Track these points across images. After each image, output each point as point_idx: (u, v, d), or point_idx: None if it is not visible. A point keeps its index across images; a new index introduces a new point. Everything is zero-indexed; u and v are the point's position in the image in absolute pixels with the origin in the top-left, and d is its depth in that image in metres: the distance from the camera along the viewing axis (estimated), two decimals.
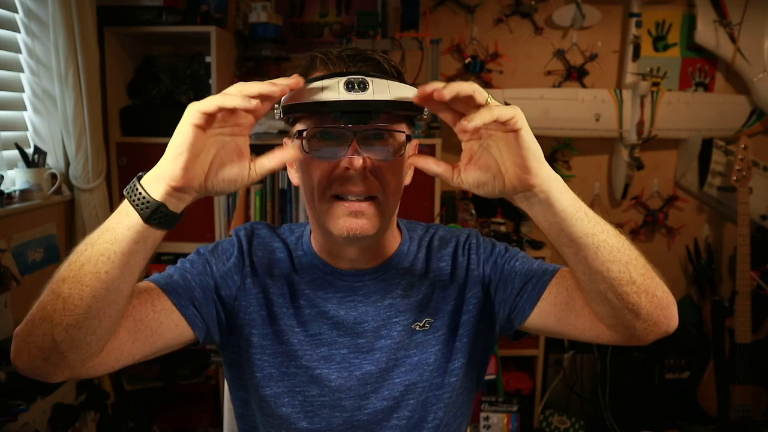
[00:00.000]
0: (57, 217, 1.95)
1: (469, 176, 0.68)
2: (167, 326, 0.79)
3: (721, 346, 2.37)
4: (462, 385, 0.92)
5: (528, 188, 0.65)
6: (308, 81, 0.70)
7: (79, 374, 0.70)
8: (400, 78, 0.79)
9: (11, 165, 1.87)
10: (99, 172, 2.01)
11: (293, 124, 0.81)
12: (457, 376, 0.90)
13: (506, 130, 0.64)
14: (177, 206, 0.65)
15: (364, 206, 0.78)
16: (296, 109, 0.73)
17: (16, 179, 1.85)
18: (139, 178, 0.65)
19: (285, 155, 0.68)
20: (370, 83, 0.69)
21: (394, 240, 0.91)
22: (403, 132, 0.79)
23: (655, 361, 2.44)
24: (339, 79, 0.68)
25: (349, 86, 0.68)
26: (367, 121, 0.70)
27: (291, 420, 0.87)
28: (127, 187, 0.65)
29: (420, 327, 0.88)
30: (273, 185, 2.25)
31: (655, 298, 0.71)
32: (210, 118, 0.63)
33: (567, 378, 2.49)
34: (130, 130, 2.25)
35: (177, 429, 2.40)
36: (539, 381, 2.44)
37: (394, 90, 0.70)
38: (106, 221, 0.66)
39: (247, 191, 2.24)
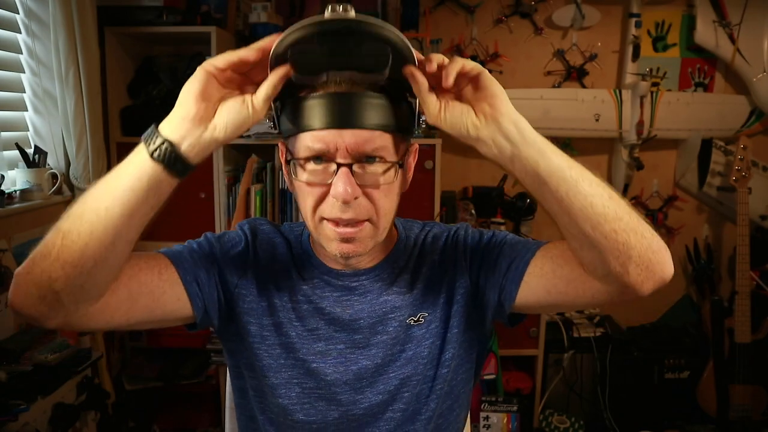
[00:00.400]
0: (57, 218, 1.93)
1: (446, 109, 0.70)
2: (169, 297, 0.79)
3: (720, 345, 2.38)
4: (455, 377, 0.92)
5: (498, 114, 0.68)
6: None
7: (72, 320, 0.70)
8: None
9: (12, 165, 1.87)
10: (99, 172, 2.01)
11: (286, 137, 0.80)
12: (448, 367, 0.90)
13: (471, 77, 0.69)
14: (190, 149, 0.67)
15: (355, 231, 0.78)
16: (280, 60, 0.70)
17: (17, 179, 1.85)
18: (157, 125, 0.67)
19: (276, 77, 0.69)
20: (352, 10, 0.68)
21: (390, 241, 0.91)
22: (393, 161, 0.77)
23: (655, 360, 2.44)
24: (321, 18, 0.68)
25: (333, 10, 0.68)
26: (348, 44, 0.68)
27: (288, 411, 0.88)
28: (145, 132, 0.67)
29: (415, 322, 0.89)
30: (273, 185, 2.25)
31: (645, 239, 0.69)
32: (220, 72, 0.67)
33: (567, 378, 2.49)
34: (130, 130, 2.25)
35: (177, 429, 2.40)
36: (539, 381, 2.44)
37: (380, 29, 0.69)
38: (120, 163, 0.67)
39: (247, 191, 2.25)
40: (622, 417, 2.45)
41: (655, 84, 2.55)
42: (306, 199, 0.78)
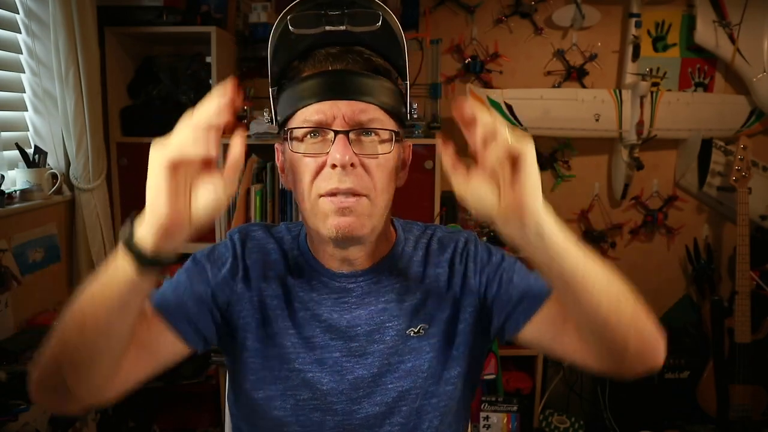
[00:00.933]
0: (57, 217, 1.96)
1: (472, 189, 0.66)
2: (164, 345, 0.81)
3: (720, 345, 2.37)
4: (462, 395, 0.91)
5: (521, 216, 0.63)
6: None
7: (91, 405, 0.75)
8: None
9: (12, 165, 1.87)
10: (99, 172, 2.01)
11: (282, 124, 0.82)
12: (453, 385, 0.89)
13: (511, 156, 0.62)
14: (171, 251, 0.65)
15: (352, 201, 0.76)
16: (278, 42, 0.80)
17: (17, 179, 1.85)
18: (132, 227, 0.66)
19: (236, 150, 0.66)
20: None
21: (387, 241, 0.90)
22: (392, 130, 0.80)
23: None
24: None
25: None
26: (342, 5, 0.75)
27: (283, 423, 0.87)
28: (122, 235, 0.67)
29: (414, 333, 0.87)
30: (273, 185, 2.25)
31: (644, 334, 0.72)
32: (177, 165, 0.63)
33: (567, 378, 2.49)
34: (130, 130, 2.25)
35: (177, 429, 2.40)
36: (539, 381, 2.44)
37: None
38: (104, 269, 0.68)
39: (248, 191, 2.25)
40: (622, 417, 2.45)
41: (655, 84, 2.55)
42: (303, 175, 0.78)
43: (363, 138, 0.78)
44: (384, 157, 0.79)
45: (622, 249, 2.81)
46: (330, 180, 0.76)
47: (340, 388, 0.86)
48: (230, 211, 2.26)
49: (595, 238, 2.75)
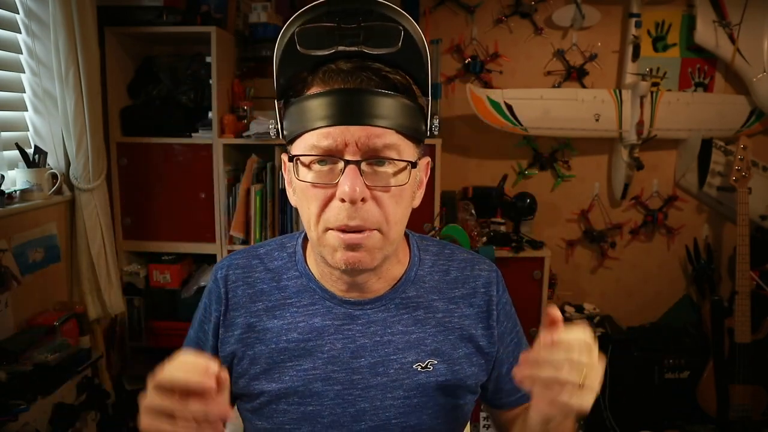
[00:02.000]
0: (57, 217, 1.95)
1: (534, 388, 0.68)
2: None
3: (720, 345, 2.37)
4: (460, 417, 0.89)
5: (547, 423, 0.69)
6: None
7: None
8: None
9: (12, 165, 1.87)
10: (99, 172, 2.01)
11: (290, 140, 0.75)
12: (454, 415, 0.87)
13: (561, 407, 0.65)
14: None
15: (362, 238, 0.71)
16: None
17: (17, 179, 1.85)
18: None
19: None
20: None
21: (400, 263, 0.85)
22: (406, 160, 0.72)
23: (655, 360, 2.44)
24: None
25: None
26: (358, 16, 0.66)
27: None
28: None
29: (422, 368, 0.82)
30: (273, 185, 2.25)
31: None
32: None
33: None
34: (130, 130, 2.25)
35: None
36: None
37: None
38: None
39: (247, 191, 2.25)
40: (622, 417, 2.45)
41: (655, 84, 2.55)
42: (310, 204, 0.72)
43: (376, 168, 0.70)
44: (399, 188, 0.72)
45: (622, 249, 2.81)
46: (339, 215, 0.70)
47: (341, 420, 0.82)
48: (230, 210, 2.26)
49: (595, 238, 2.75)
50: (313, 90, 0.71)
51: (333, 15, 0.66)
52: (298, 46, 0.68)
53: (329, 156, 0.70)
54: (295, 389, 0.81)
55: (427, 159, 0.82)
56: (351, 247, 0.72)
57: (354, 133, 0.68)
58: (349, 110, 0.68)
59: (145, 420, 0.62)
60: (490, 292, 0.87)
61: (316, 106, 0.69)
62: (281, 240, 0.90)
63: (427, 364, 0.82)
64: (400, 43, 0.67)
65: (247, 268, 0.86)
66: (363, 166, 0.69)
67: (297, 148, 0.73)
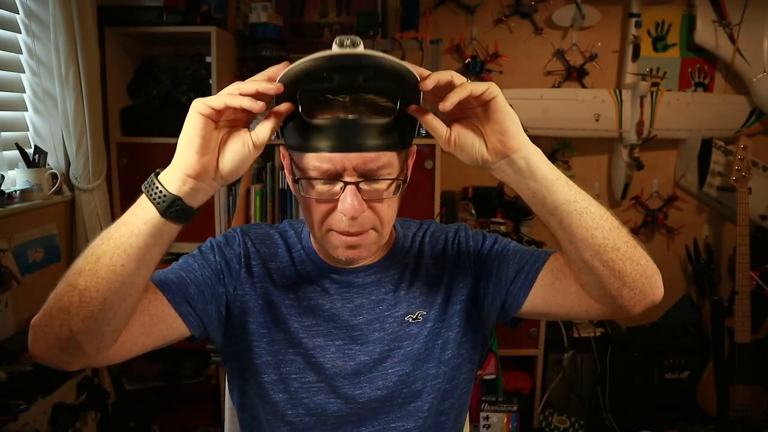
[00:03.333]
0: (57, 217, 1.96)
1: (457, 139, 0.72)
2: (167, 320, 0.81)
3: (720, 345, 2.37)
4: (456, 375, 0.94)
5: (509, 152, 0.70)
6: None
7: (94, 363, 0.73)
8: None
9: (12, 165, 1.87)
10: (99, 172, 2.01)
11: (290, 149, 0.82)
12: (448, 366, 0.92)
13: (483, 102, 0.69)
14: (193, 199, 0.69)
15: (361, 239, 0.81)
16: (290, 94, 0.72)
17: (17, 179, 1.85)
18: (157, 174, 0.69)
19: (277, 119, 0.72)
20: (360, 44, 0.70)
21: (388, 240, 0.94)
22: (397, 178, 0.80)
23: (655, 360, 2.44)
24: (330, 53, 0.69)
25: (342, 44, 0.69)
26: (358, 79, 0.70)
27: (288, 406, 0.90)
28: (145, 182, 0.69)
29: (413, 319, 0.91)
30: (273, 185, 2.25)
31: (640, 266, 0.74)
32: (217, 114, 0.67)
33: (567, 378, 2.49)
34: (130, 130, 2.25)
35: (177, 429, 2.40)
36: (539, 381, 2.44)
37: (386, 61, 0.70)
38: (123, 215, 0.70)
39: (247, 191, 2.25)
40: (622, 417, 2.45)
41: (655, 84, 2.55)
42: (314, 213, 0.81)
43: (372, 184, 0.78)
44: (391, 198, 0.82)
45: None
46: (340, 224, 0.79)
47: (343, 372, 0.89)
48: (230, 210, 2.26)
49: None
50: (316, 116, 0.75)
51: (332, 70, 0.70)
52: (299, 108, 0.73)
53: (330, 178, 0.77)
54: (300, 340, 0.89)
55: (414, 147, 0.87)
56: (351, 245, 0.82)
57: (352, 159, 0.75)
58: (349, 140, 0.74)
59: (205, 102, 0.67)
60: (458, 236, 0.96)
61: (318, 132, 0.75)
62: (290, 222, 1.00)
63: (417, 315, 0.91)
64: (395, 113, 0.73)
65: (265, 235, 0.96)
66: (360, 184, 0.77)
67: (298, 160, 0.79)
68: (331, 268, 0.92)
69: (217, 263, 0.89)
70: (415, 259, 0.95)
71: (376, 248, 0.87)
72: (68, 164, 1.96)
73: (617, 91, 2.57)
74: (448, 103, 0.67)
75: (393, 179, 0.79)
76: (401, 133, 0.78)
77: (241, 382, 0.95)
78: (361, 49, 0.69)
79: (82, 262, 0.67)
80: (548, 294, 0.83)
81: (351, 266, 0.91)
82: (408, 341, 0.91)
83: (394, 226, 0.96)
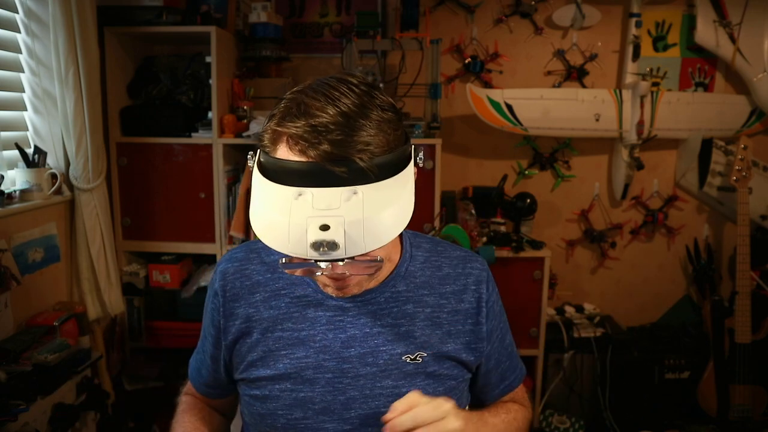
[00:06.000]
0: (57, 217, 1.95)
1: None
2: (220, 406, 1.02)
3: (720, 346, 2.37)
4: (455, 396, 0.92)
5: None
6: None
7: None
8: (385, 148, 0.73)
9: (11, 165, 1.87)
10: (99, 172, 2.01)
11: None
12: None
13: None
14: None
15: (350, 279, 0.80)
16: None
17: (17, 179, 1.85)
18: None
19: None
20: (341, 244, 0.64)
21: (390, 261, 0.88)
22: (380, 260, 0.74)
23: (655, 361, 2.44)
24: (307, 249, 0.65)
25: (319, 249, 0.65)
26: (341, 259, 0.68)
27: None
28: None
29: (411, 359, 0.86)
30: None
31: None
32: None
33: (567, 378, 2.49)
34: (130, 130, 2.25)
35: None
36: (539, 381, 2.44)
37: (369, 238, 0.66)
38: None
39: (247, 191, 2.24)
40: (622, 417, 2.45)
41: (655, 84, 2.55)
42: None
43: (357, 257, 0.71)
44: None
45: (622, 249, 2.81)
46: (323, 278, 0.81)
47: (332, 407, 0.85)
48: (229, 211, 2.26)
49: (595, 238, 2.75)
50: (279, 151, 0.74)
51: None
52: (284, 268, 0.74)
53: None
54: (288, 375, 0.86)
55: (412, 145, 0.82)
56: (340, 287, 0.81)
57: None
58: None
59: None
60: (480, 290, 0.90)
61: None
62: None
63: (416, 356, 0.86)
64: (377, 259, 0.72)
65: (245, 261, 0.92)
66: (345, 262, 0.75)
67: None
68: (322, 292, 0.87)
69: (213, 328, 0.92)
70: (423, 291, 0.88)
71: (370, 280, 0.84)
72: (68, 164, 1.95)
73: (617, 91, 2.56)
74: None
75: (383, 255, 0.79)
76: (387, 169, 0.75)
77: (242, 402, 0.97)
78: (340, 252, 0.65)
79: None
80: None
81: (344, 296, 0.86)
82: (403, 381, 0.85)
83: (401, 239, 0.91)
